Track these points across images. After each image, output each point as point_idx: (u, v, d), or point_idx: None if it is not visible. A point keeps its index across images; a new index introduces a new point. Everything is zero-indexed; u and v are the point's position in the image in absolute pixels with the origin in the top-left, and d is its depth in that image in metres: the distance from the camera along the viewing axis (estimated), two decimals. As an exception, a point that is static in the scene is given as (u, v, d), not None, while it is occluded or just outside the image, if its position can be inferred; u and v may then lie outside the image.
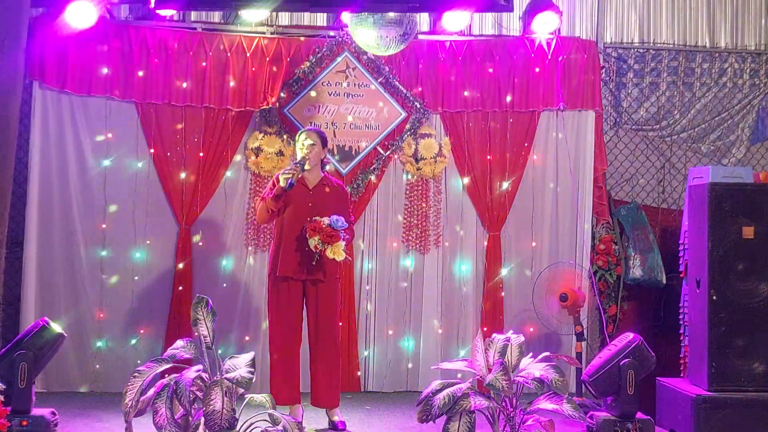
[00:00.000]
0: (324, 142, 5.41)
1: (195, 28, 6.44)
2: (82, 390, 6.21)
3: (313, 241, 5.09)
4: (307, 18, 6.64)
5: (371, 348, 6.55)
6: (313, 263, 5.19)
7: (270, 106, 6.38)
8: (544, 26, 6.57)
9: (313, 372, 5.34)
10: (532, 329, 6.58)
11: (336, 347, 5.38)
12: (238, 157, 6.47)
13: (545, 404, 4.57)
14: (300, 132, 5.47)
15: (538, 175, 6.74)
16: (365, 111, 6.57)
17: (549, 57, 6.65)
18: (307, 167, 5.28)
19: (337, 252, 5.11)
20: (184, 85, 6.34)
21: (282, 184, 5.17)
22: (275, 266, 5.29)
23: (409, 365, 6.59)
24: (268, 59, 6.40)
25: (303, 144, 5.32)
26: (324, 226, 5.10)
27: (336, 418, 5.33)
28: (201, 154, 6.38)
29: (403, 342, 6.60)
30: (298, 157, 5.33)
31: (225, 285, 6.43)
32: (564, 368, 5.01)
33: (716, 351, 5.22)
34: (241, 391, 4.26)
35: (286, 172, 5.18)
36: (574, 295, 6.05)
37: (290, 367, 5.30)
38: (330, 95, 6.54)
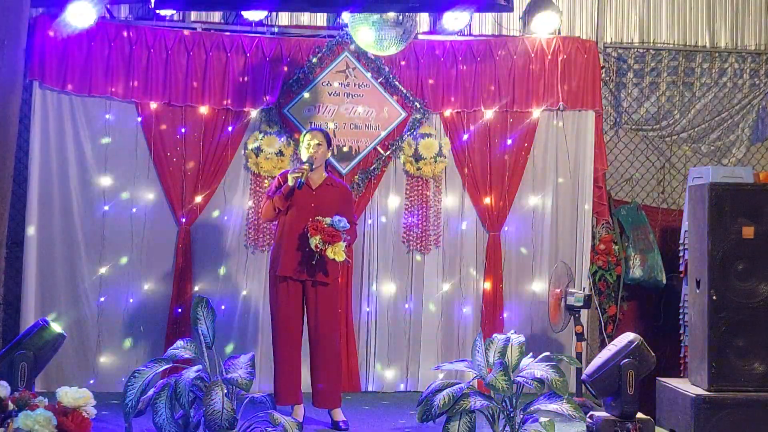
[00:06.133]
0: (329, 142, 5.47)
1: (195, 28, 6.44)
2: (82, 390, 6.21)
3: (314, 241, 5.09)
4: (307, 18, 6.65)
5: (372, 348, 6.55)
6: (313, 263, 5.19)
7: (270, 106, 6.38)
8: (544, 26, 6.57)
9: (314, 373, 5.34)
10: (532, 329, 6.58)
11: (335, 349, 5.38)
12: (237, 158, 6.47)
13: (545, 404, 4.56)
14: (305, 132, 5.51)
15: (538, 175, 6.74)
16: (365, 111, 6.57)
17: (549, 57, 6.65)
18: (314, 167, 5.32)
19: (337, 252, 5.11)
20: (184, 85, 6.34)
21: (291, 183, 5.20)
22: (275, 265, 5.30)
23: (409, 365, 6.59)
24: (268, 59, 6.40)
25: (309, 144, 5.34)
26: (325, 226, 5.11)
27: (338, 418, 5.34)
28: (201, 154, 6.38)
29: (403, 342, 6.60)
30: (303, 157, 5.37)
31: (225, 285, 6.43)
32: (564, 368, 5.01)
33: (716, 351, 5.22)
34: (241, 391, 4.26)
35: (295, 171, 5.22)
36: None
37: (292, 367, 5.31)
38: (330, 95, 6.53)
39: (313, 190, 5.34)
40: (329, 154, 5.54)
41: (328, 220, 5.14)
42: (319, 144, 5.34)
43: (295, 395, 5.32)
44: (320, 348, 5.30)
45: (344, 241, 5.15)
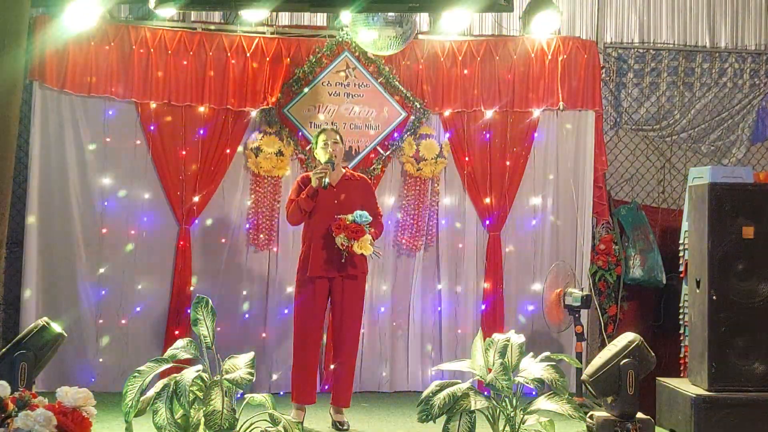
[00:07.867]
0: (342, 138, 5.55)
1: (195, 28, 6.44)
2: (82, 390, 6.21)
3: (340, 239, 5.16)
4: (307, 18, 6.65)
5: (373, 348, 6.54)
6: (343, 261, 5.24)
7: (270, 106, 6.38)
8: (544, 26, 6.56)
9: (336, 370, 5.43)
10: (532, 329, 6.58)
11: (357, 345, 5.47)
12: (237, 157, 6.47)
13: (545, 404, 4.57)
14: (319, 132, 5.56)
15: (538, 175, 6.74)
16: (365, 111, 6.57)
17: (549, 57, 6.66)
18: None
19: (364, 246, 5.17)
20: (184, 85, 6.34)
21: (315, 184, 5.25)
22: (305, 267, 5.34)
23: (409, 366, 6.59)
24: (268, 59, 6.40)
25: (327, 143, 5.40)
26: (348, 222, 5.16)
27: (339, 419, 5.36)
28: (201, 154, 6.38)
29: (403, 342, 6.59)
30: (321, 158, 5.42)
31: (224, 285, 6.43)
32: (564, 368, 5.01)
33: (716, 351, 5.22)
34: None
35: (318, 172, 5.26)
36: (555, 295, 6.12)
37: (310, 367, 5.38)
38: (330, 95, 6.53)
39: (334, 187, 5.37)
40: (344, 150, 5.62)
41: (350, 216, 5.19)
42: (336, 142, 5.42)
43: (311, 395, 5.39)
44: (343, 344, 5.37)
45: (369, 234, 5.19)
